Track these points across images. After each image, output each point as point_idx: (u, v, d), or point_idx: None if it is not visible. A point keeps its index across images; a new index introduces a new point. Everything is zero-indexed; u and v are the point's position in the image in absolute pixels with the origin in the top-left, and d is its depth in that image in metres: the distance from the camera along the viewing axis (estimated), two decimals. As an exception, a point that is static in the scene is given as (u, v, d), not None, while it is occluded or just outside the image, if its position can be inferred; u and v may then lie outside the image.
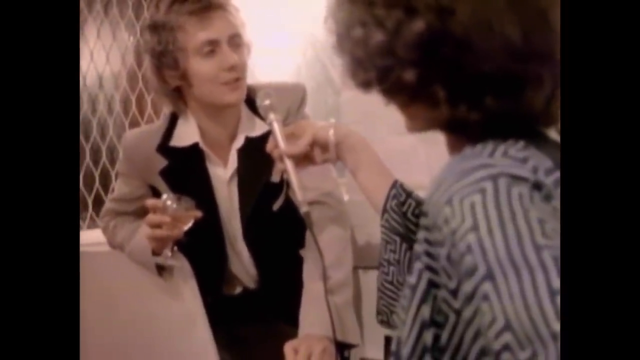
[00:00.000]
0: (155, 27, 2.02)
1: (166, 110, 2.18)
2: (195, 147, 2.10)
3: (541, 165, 0.99)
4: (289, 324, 2.01)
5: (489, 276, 0.89)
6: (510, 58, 0.99)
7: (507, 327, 0.87)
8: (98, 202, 3.09)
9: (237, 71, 2.01)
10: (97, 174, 3.16)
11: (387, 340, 2.06)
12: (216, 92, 2.01)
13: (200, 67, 2.00)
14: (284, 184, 2.06)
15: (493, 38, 0.98)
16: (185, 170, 2.10)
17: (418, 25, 0.98)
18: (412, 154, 2.12)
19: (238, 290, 2.21)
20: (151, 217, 1.95)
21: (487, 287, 0.89)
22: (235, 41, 2.02)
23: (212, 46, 1.99)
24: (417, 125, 1.11)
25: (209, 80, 2.01)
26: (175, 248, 2.06)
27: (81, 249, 2.39)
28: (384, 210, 1.51)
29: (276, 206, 2.08)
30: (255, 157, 2.00)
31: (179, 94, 2.08)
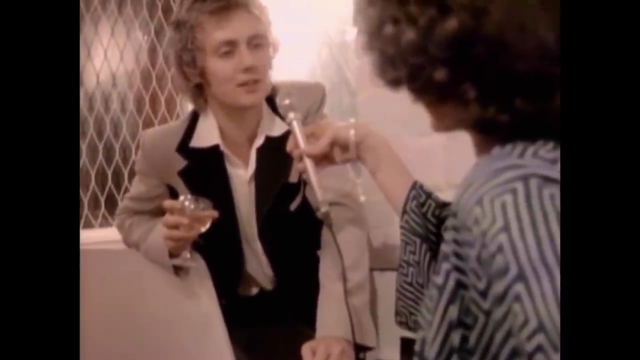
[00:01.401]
0: (177, 25, 2.02)
1: (180, 109, 2.18)
2: (215, 149, 2.09)
3: (570, 167, 0.98)
4: (306, 325, 2.00)
5: (521, 277, 0.88)
6: (542, 60, 0.98)
7: (540, 328, 0.86)
8: (110, 201, 3.10)
9: (255, 73, 1.99)
10: (109, 173, 3.16)
11: (404, 342, 2.06)
12: (232, 93, 2.01)
13: (217, 67, 2.00)
14: (301, 184, 2.06)
15: (526, 39, 0.97)
16: (204, 172, 2.09)
17: (451, 24, 0.97)
18: (429, 155, 2.11)
19: (254, 291, 2.20)
20: (169, 218, 1.94)
21: (519, 287, 0.88)
22: (255, 42, 2.00)
23: (230, 47, 1.99)
24: (444, 125, 1.10)
25: (225, 81, 2.00)
26: (193, 249, 2.05)
27: (94, 247, 2.40)
28: (404, 212, 1.50)
29: (293, 206, 2.07)
30: (274, 156, 1.99)
31: (200, 92, 2.08)
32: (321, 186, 1.64)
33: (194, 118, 2.12)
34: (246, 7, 2.00)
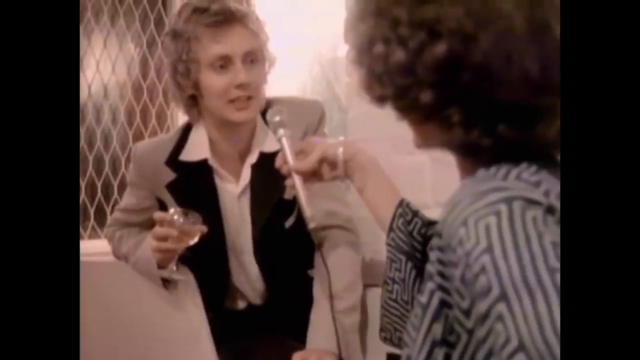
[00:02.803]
0: (174, 35, 2.02)
1: (170, 122, 2.18)
2: (204, 163, 2.09)
3: (553, 189, 1.00)
4: (294, 339, 2.01)
5: (503, 297, 0.90)
6: (526, 89, 1.00)
7: (521, 347, 0.88)
8: (100, 212, 3.10)
9: (248, 89, 1.99)
10: (99, 184, 3.16)
11: (390, 358, 2.06)
12: (224, 109, 2.01)
13: (210, 81, 2.00)
14: (296, 201, 2.06)
15: (512, 68, 0.99)
16: (192, 185, 2.09)
17: (440, 48, 0.99)
18: (417, 173, 2.13)
19: (242, 305, 2.20)
20: (158, 230, 1.95)
21: (501, 307, 0.90)
22: (251, 58, 2.01)
23: (224, 61, 1.99)
24: (427, 143, 1.12)
25: (218, 95, 2.00)
26: (180, 262, 2.06)
27: (82, 259, 2.40)
28: (390, 229, 1.51)
29: (288, 223, 2.07)
30: (269, 172, 1.99)
31: (194, 103, 2.08)
32: (309, 203, 1.66)
33: (185, 131, 2.13)
34: (244, 23, 2.00)
